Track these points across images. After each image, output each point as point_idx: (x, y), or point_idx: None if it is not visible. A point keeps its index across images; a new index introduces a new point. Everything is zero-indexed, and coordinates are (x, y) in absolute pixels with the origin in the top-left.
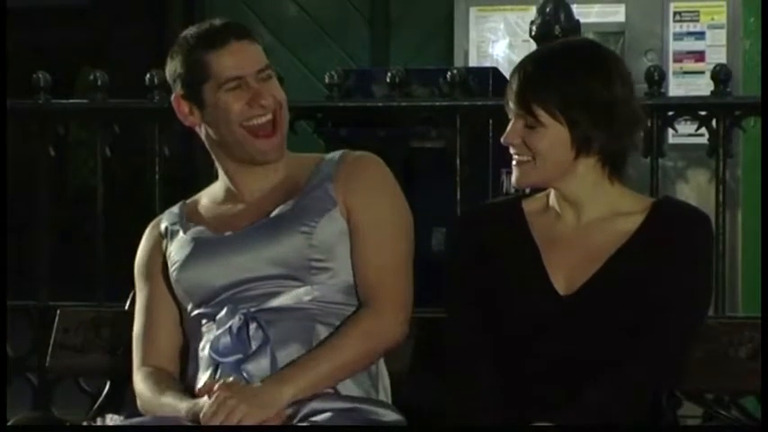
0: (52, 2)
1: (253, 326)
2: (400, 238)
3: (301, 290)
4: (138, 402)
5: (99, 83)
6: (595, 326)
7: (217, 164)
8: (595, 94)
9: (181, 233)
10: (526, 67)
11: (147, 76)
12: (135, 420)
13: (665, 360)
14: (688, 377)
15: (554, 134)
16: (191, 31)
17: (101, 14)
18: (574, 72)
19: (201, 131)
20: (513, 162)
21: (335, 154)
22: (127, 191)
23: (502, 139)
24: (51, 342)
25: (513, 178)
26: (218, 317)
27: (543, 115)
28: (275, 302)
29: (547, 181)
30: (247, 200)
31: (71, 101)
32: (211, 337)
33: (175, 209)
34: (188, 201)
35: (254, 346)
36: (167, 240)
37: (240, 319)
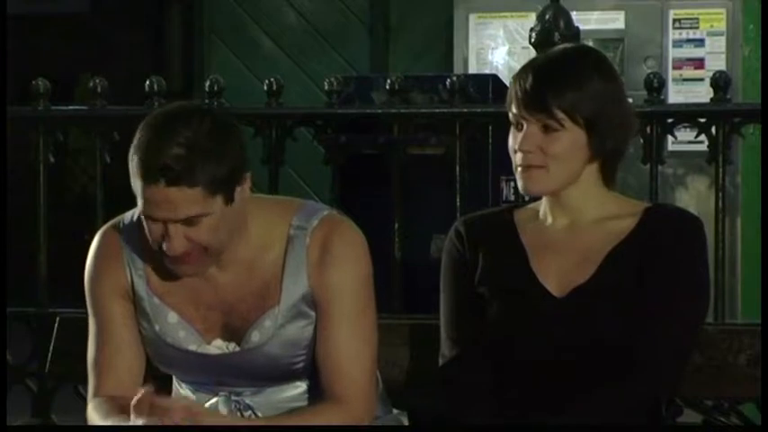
0: (52, 9)
1: (247, 413)
2: (374, 333)
3: (297, 384)
4: None
5: (98, 90)
6: (591, 328)
7: None
8: (610, 98)
9: (146, 301)
10: (540, 70)
11: (147, 82)
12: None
13: (663, 364)
14: (687, 384)
15: (572, 138)
16: (147, 131)
17: (100, 21)
18: (591, 74)
19: None
20: (519, 168)
21: (306, 226)
22: (126, 198)
23: (516, 146)
24: (51, 349)
25: (522, 185)
26: (209, 404)
27: (563, 118)
28: (271, 396)
29: (558, 189)
30: (216, 285)
31: (71, 107)
32: (195, 401)
33: (135, 253)
34: (145, 247)
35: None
36: (130, 268)
37: (234, 406)
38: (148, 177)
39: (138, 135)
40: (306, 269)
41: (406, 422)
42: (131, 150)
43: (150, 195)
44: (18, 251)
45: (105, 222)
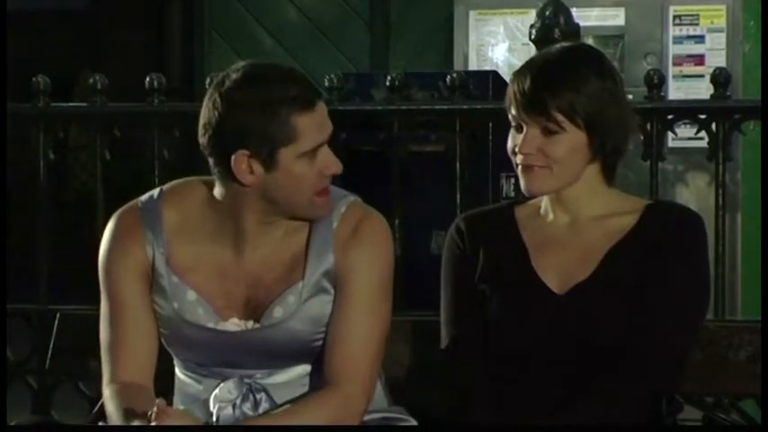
0: (52, 5)
1: (260, 395)
2: (387, 323)
3: (306, 365)
4: (109, 422)
5: (99, 86)
6: (591, 325)
7: (236, 210)
8: (609, 98)
9: (165, 279)
10: (538, 72)
11: (147, 79)
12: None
13: (664, 361)
14: (688, 380)
15: (573, 140)
16: (259, 81)
17: (100, 18)
18: (589, 76)
19: (251, 183)
20: (520, 168)
21: (334, 206)
22: (126, 194)
23: (516, 149)
24: (51, 345)
25: (524, 186)
26: (220, 386)
27: (563, 120)
28: (284, 376)
29: (561, 188)
30: (247, 258)
31: (71, 104)
32: (201, 389)
33: (156, 231)
34: (166, 227)
35: (260, 410)
36: (152, 246)
37: (246, 388)
38: (310, 102)
39: (238, 91)
40: (332, 248)
41: (406, 416)
42: (248, 102)
43: (316, 121)
44: (18, 248)
45: (106, 219)
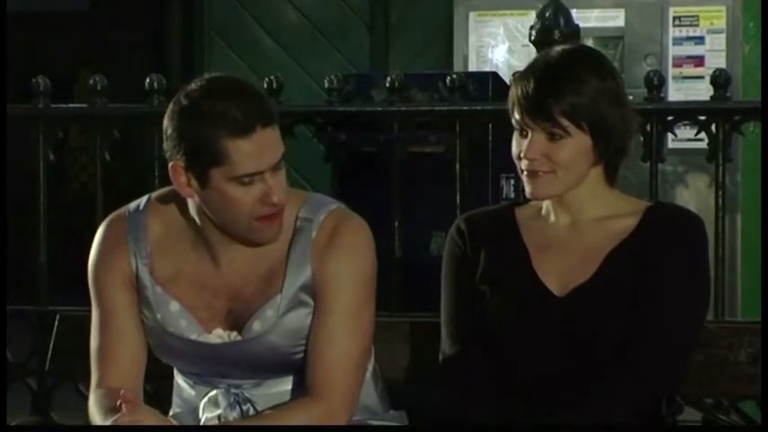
0: (52, 6)
1: (246, 406)
2: (369, 332)
3: (293, 377)
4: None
5: (98, 87)
6: (591, 327)
7: (198, 224)
8: (612, 100)
9: (149, 290)
10: (542, 77)
11: (147, 80)
12: None
13: (664, 363)
14: (687, 382)
15: (578, 144)
16: (207, 95)
17: (100, 19)
18: (591, 78)
19: (194, 199)
20: (525, 173)
21: (312, 218)
22: (126, 195)
23: (521, 154)
24: (51, 346)
25: (530, 190)
26: (208, 396)
27: (568, 125)
28: (271, 388)
29: (566, 191)
30: (224, 271)
31: (70, 105)
32: (193, 395)
33: (141, 242)
34: (150, 237)
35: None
36: (135, 257)
37: (233, 398)
38: (243, 127)
39: (190, 102)
40: (310, 259)
41: (405, 421)
42: (189, 116)
43: (249, 148)
44: (18, 249)
45: None
